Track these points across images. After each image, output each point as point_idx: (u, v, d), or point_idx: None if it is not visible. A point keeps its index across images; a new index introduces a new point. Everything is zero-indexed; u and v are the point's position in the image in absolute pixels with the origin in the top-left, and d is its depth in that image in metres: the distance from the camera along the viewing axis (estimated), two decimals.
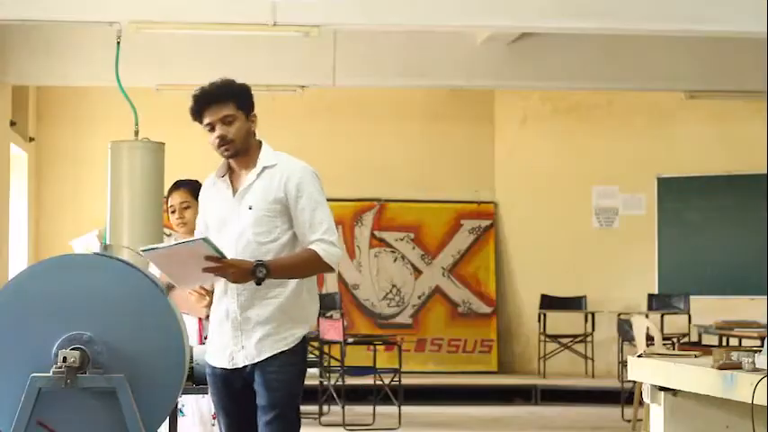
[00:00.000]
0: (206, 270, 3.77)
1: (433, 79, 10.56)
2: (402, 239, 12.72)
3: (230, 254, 3.87)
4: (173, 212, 5.32)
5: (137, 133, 8.02)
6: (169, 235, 10.44)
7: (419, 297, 12.74)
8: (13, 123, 10.91)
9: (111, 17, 7.85)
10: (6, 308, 3.51)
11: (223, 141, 3.96)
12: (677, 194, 12.58)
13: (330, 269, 3.98)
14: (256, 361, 3.89)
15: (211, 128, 3.98)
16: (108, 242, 7.42)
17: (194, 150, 11.89)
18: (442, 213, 12.93)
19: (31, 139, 12.05)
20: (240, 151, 3.99)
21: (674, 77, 10.49)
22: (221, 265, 3.79)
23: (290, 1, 7.66)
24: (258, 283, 3.84)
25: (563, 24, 8.13)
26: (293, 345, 3.93)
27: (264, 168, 3.99)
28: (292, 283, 3.95)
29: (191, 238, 3.99)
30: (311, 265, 3.96)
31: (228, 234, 3.97)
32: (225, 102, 3.98)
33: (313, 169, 4.04)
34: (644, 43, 10.12)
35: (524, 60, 10.28)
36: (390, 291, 12.65)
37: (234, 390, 3.96)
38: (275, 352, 3.90)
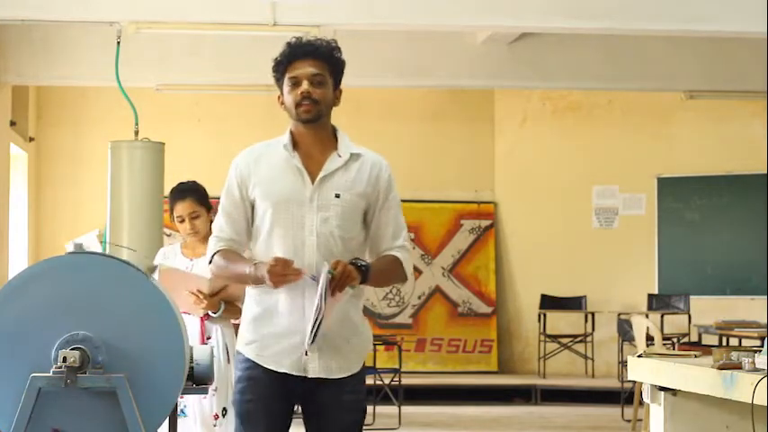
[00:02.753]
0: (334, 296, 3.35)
1: (433, 79, 10.56)
2: None
3: (305, 245, 3.48)
4: (181, 221, 5.27)
5: (137, 133, 8.03)
6: (169, 235, 10.45)
7: (419, 297, 12.74)
8: (12, 123, 10.92)
9: (111, 17, 7.86)
10: (6, 308, 3.51)
11: (308, 99, 3.49)
12: (677, 194, 12.58)
13: (405, 279, 3.63)
14: (334, 377, 3.52)
15: (295, 83, 3.51)
16: (108, 242, 7.43)
17: (194, 150, 11.99)
18: (442, 213, 12.93)
19: (31, 139, 12.05)
20: (321, 118, 3.53)
21: (673, 77, 10.50)
22: (342, 277, 3.37)
23: (289, 1, 7.67)
24: (363, 280, 3.44)
25: (563, 24, 8.13)
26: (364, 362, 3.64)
27: (352, 155, 3.57)
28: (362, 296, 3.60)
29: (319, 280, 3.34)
30: (396, 275, 3.61)
31: (300, 221, 3.49)
32: (321, 61, 3.54)
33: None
34: (644, 43, 10.12)
35: (524, 60, 10.28)
36: (390, 291, 12.64)
37: (286, 402, 3.56)
38: (356, 371, 3.57)
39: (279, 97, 3.60)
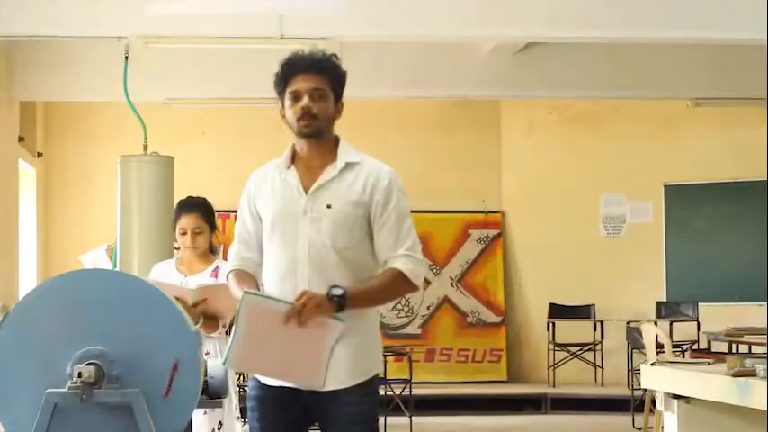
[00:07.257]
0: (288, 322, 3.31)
1: (439, 90, 10.56)
2: None
3: (298, 258, 3.45)
4: (183, 234, 5.25)
5: (146, 147, 8.05)
6: (178, 248, 10.45)
7: (428, 307, 12.74)
8: (21, 139, 10.93)
9: (118, 32, 7.87)
10: (21, 324, 3.52)
11: (307, 114, 3.48)
12: (684, 202, 12.58)
13: (415, 289, 3.51)
14: (338, 388, 3.47)
15: (296, 97, 3.51)
16: (118, 257, 7.44)
17: (203, 164, 12.02)
18: (449, 223, 12.94)
19: (40, 155, 12.07)
20: (321, 133, 3.53)
21: (679, 85, 10.49)
22: (300, 308, 3.33)
23: (297, 14, 7.68)
24: (338, 309, 3.37)
25: (569, 34, 8.14)
26: (374, 373, 3.55)
27: (347, 165, 3.55)
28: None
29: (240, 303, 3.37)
30: (394, 288, 3.51)
31: (294, 235, 3.48)
32: (321, 74, 3.52)
33: (396, 174, 3.66)
34: (649, 51, 10.12)
35: (530, 70, 10.28)
36: (399, 301, 12.64)
37: (291, 417, 3.55)
38: (363, 379, 3.50)
39: (281, 111, 3.61)
